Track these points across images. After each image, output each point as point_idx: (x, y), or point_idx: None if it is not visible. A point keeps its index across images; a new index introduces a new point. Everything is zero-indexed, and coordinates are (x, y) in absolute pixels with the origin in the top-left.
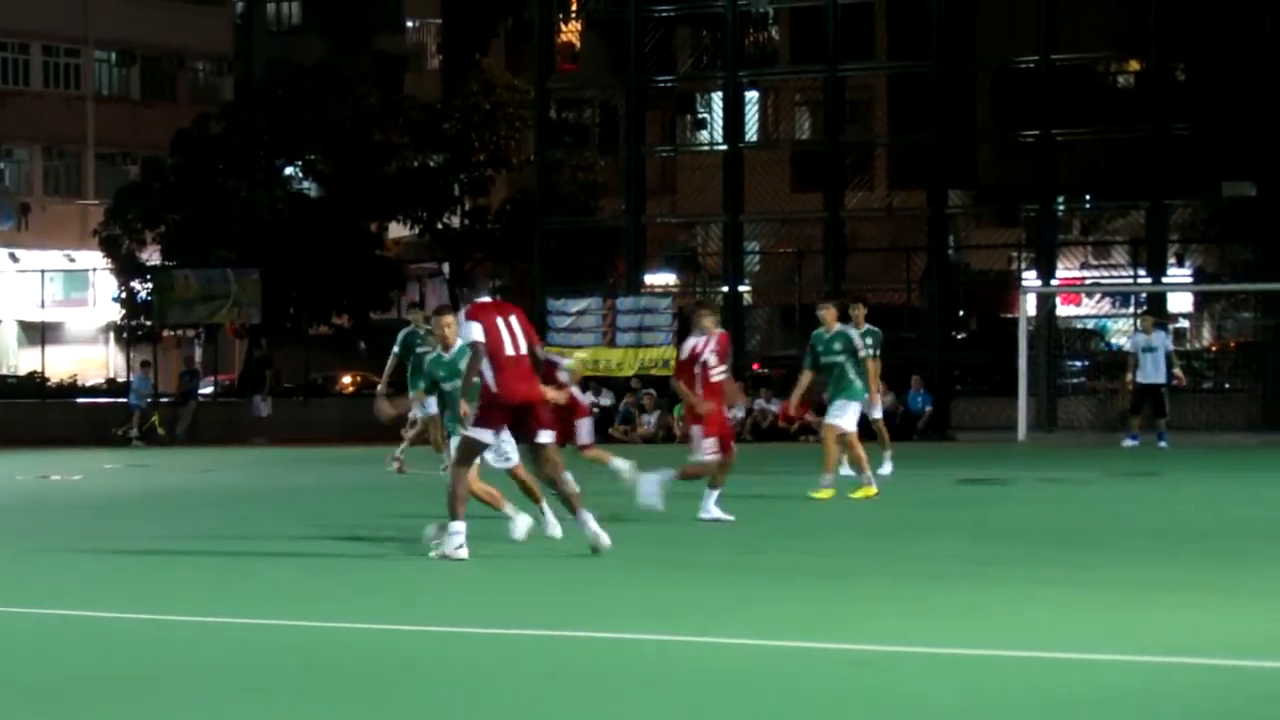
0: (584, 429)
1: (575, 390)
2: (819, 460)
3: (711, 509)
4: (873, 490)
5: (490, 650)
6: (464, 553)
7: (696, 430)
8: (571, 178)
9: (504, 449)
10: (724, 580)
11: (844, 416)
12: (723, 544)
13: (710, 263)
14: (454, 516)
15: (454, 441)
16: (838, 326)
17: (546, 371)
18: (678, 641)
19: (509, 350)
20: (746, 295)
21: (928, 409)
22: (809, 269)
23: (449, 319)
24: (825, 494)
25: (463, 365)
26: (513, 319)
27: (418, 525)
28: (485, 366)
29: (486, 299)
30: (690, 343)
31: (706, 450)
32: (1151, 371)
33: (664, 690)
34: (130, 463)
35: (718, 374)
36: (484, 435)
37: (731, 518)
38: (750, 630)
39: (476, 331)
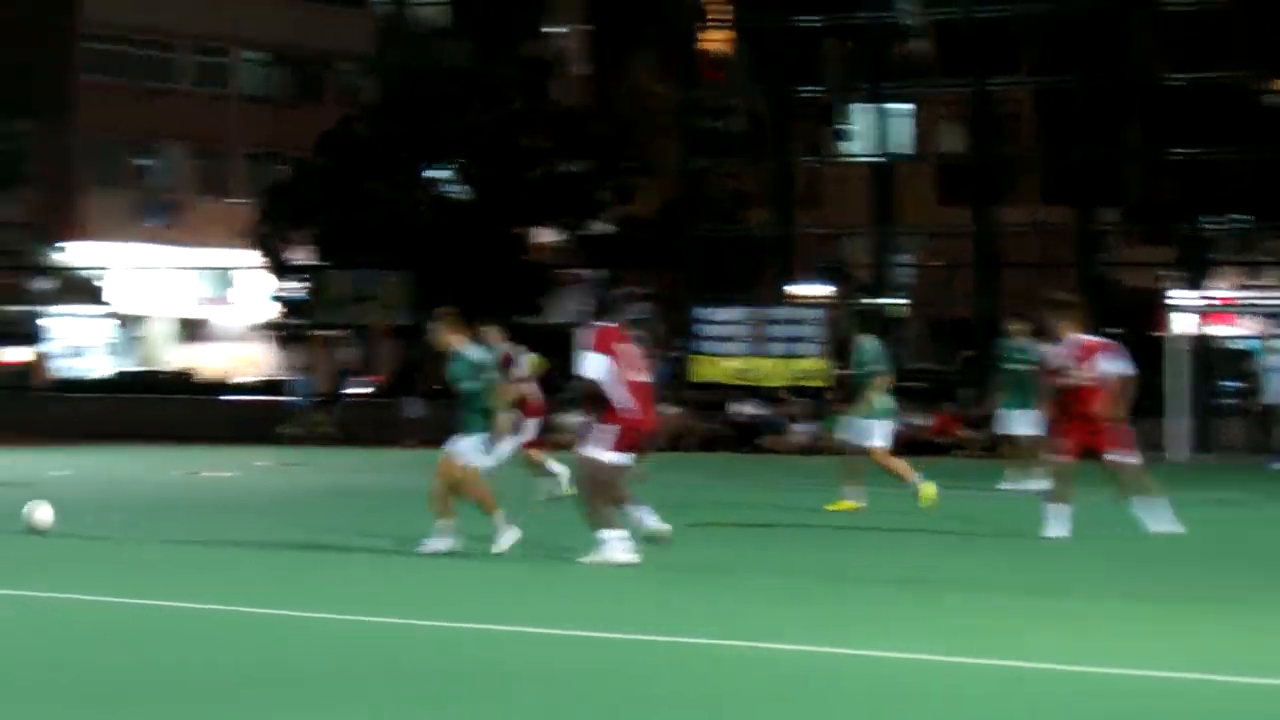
0: (530, 427)
1: (531, 387)
2: (988, 472)
3: (1161, 520)
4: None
5: (633, 657)
6: (631, 555)
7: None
8: (719, 186)
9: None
10: (895, 594)
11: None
12: (891, 556)
13: (858, 274)
14: (606, 527)
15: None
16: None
17: (504, 364)
18: (850, 656)
19: (635, 375)
20: (897, 307)
21: None
22: (958, 282)
23: (449, 325)
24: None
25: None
26: (629, 346)
27: (562, 531)
28: (613, 391)
29: (607, 324)
30: (1053, 351)
31: (1059, 452)
32: (1274, 391)
33: (824, 704)
34: (283, 461)
35: (1074, 380)
36: (620, 459)
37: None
38: (922, 645)
39: (600, 366)
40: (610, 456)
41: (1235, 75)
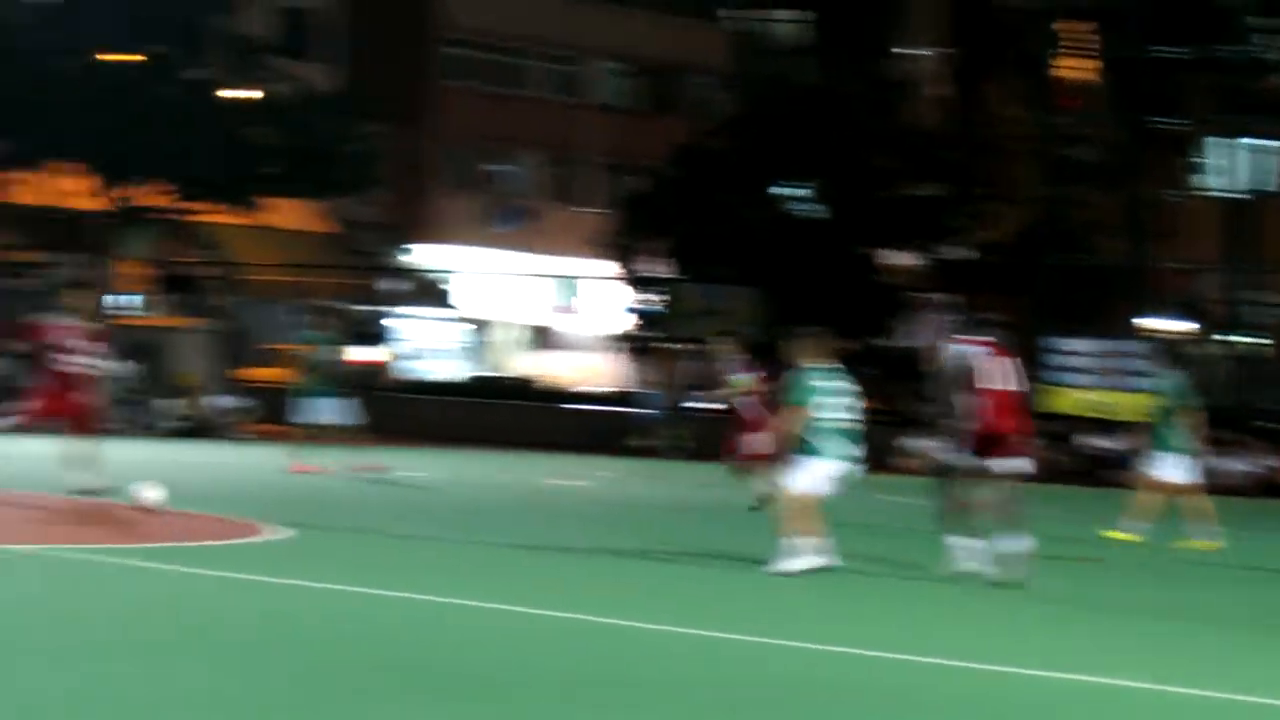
0: (749, 442)
1: (742, 401)
2: None
3: None
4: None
5: (996, 690)
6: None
7: None
8: (1073, 215)
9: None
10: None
11: None
12: (1240, 596)
13: (1212, 310)
14: (958, 534)
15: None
16: None
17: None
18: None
19: (997, 385)
20: (1257, 346)
21: None
22: None
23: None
24: None
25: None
26: (998, 360)
27: (917, 552)
28: (964, 399)
29: (979, 337)
30: None
31: None
32: None
33: None
34: (629, 472)
35: None
36: (963, 460)
37: None
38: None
39: (959, 357)
40: (957, 458)
41: None
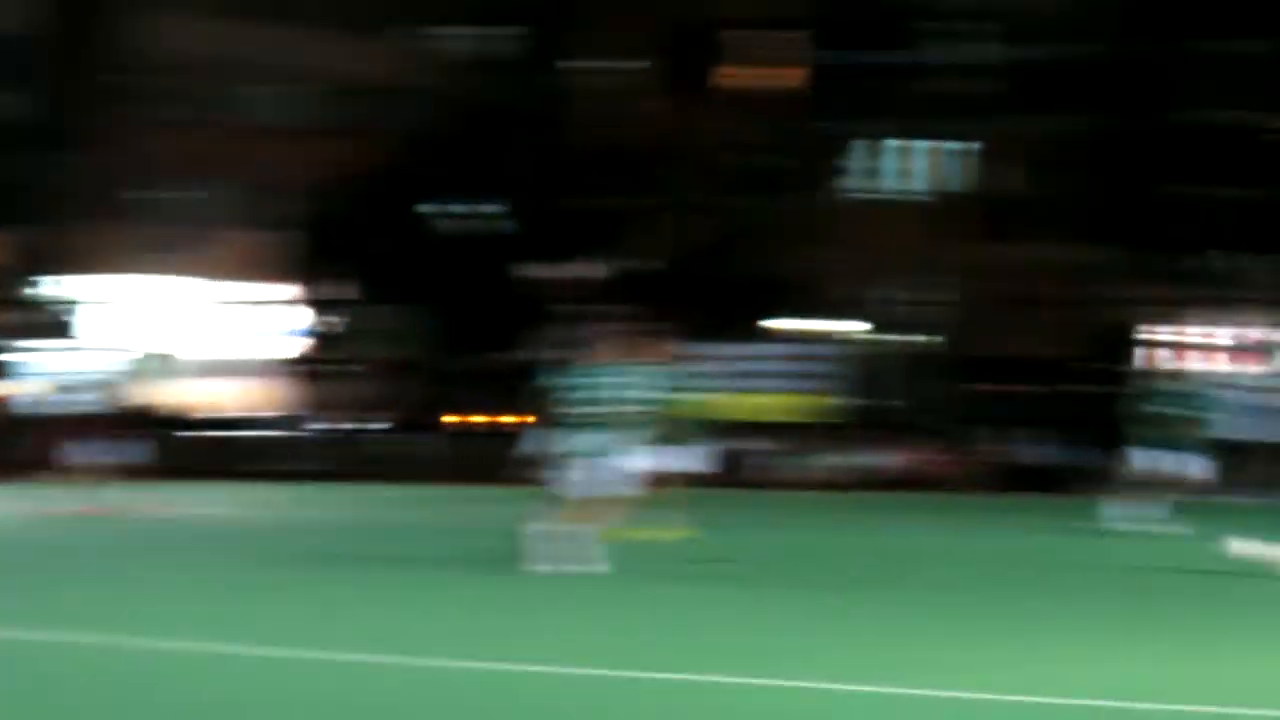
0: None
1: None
2: None
3: None
4: None
5: None
6: None
7: None
8: (746, 223)
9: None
10: None
11: None
12: None
13: (883, 310)
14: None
15: None
16: None
17: None
18: None
19: None
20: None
21: None
22: None
23: None
24: None
25: None
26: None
27: None
28: None
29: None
30: None
31: None
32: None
33: None
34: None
35: None
36: None
37: None
38: None
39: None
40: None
41: None
